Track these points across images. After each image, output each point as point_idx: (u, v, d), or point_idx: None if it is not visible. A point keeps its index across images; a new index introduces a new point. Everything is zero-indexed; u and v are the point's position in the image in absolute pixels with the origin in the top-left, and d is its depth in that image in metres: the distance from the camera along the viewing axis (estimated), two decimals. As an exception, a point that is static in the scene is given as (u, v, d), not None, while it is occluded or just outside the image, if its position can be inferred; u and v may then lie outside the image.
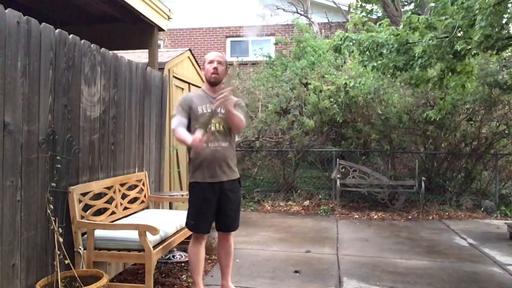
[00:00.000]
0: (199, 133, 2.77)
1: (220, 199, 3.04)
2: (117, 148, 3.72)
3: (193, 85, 5.97)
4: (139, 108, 4.15)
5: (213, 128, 2.98)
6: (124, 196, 3.77)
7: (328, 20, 11.48)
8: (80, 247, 3.01)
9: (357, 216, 6.68)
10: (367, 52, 4.89)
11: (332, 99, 7.14)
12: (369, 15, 9.54)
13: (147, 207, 4.19)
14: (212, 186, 3.00)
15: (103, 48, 3.46)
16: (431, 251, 4.80)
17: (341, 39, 5.10)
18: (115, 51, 3.69)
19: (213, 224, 3.16)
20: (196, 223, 3.04)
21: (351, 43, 4.99)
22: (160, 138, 4.69)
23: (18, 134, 2.51)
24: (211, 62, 3.04)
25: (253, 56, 11.22)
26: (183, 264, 4.08)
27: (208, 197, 3.00)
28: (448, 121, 6.91)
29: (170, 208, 4.56)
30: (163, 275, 3.78)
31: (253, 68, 9.75)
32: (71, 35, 3.00)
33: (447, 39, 4.17)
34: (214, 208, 3.04)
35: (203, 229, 3.07)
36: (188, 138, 2.82)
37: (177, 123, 2.98)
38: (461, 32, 4.19)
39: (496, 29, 3.81)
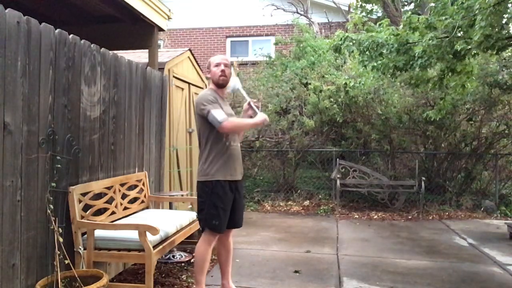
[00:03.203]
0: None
1: (235, 197, 3.10)
2: (117, 148, 3.72)
3: (193, 85, 5.97)
4: (139, 108, 4.15)
5: None
6: (124, 196, 3.77)
7: (328, 20, 11.47)
8: (80, 247, 3.01)
9: (357, 216, 6.68)
10: (367, 52, 4.89)
11: (332, 99, 7.14)
12: (369, 15, 9.53)
13: (147, 207, 4.19)
14: (230, 185, 3.04)
15: (103, 48, 3.45)
16: (431, 251, 4.80)
17: (341, 39, 5.09)
18: (115, 51, 3.69)
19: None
20: (220, 223, 2.99)
21: (351, 43, 4.98)
22: (160, 138, 4.69)
23: (18, 134, 2.51)
24: (218, 65, 3.10)
25: (253, 56, 11.23)
26: (183, 264, 4.08)
27: (230, 196, 3.04)
28: (448, 121, 6.92)
29: (170, 208, 4.55)
30: (163, 275, 3.78)
31: (253, 68, 9.75)
32: (71, 35, 3.00)
33: (447, 39, 4.17)
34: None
35: (224, 229, 3.07)
36: (252, 119, 3.05)
37: (224, 115, 2.94)
38: (461, 32, 4.19)
39: (496, 29, 3.81)
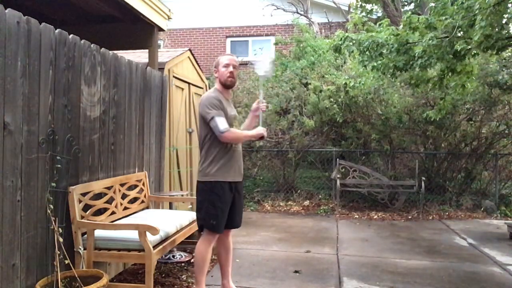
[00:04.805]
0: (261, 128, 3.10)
1: (234, 198, 3.12)
2: (117, 148, 3.72)
3: (193, 85, 5.96)
4: (139, 108, 4.15)
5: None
6: (124, 196, 3.77)
7: (328, 20, 11.47)
8: (80, 247, 3.01)
9: (357, 216, 6.68)
10: (367, 52, 4.89)
11: (332, 99, 7.14)
12: (369, 15, 9.52)
13: (147, 207, 4.19)
14: (230, 186, 3.07)
15: (103, 48, 3.45)
16: (431, 251, 4.80)
17: (341, 39, 5.09)
18: (115, 51, 3.69)
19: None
20: (218, 223, 3.02)
21: (351, 43, 4.98)
22: (160, 138, 4.69)
23: (18, 134, 2.51)
24: (227, 65, 3.10)
25: (253, 56, 11.23)
26: (183, 264, 4.08)
27: (228, 197, 3.07)
28: (448, 121, 6.92)
29: (170, 208, 4.55)
30: (163, 275, 3.78)
31: (253, 68, 9.74)
32: (71, 35, 3.00)
33: (447, 39, 4.17)
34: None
35: (222, 229, 3.09)
36: (253, 132, 3.11)
37: (226, 124, 2.97)
38: (461, 32, 4.19)
39: (496, 29, 3.81)
